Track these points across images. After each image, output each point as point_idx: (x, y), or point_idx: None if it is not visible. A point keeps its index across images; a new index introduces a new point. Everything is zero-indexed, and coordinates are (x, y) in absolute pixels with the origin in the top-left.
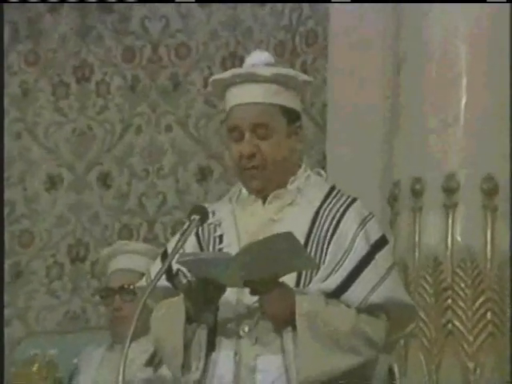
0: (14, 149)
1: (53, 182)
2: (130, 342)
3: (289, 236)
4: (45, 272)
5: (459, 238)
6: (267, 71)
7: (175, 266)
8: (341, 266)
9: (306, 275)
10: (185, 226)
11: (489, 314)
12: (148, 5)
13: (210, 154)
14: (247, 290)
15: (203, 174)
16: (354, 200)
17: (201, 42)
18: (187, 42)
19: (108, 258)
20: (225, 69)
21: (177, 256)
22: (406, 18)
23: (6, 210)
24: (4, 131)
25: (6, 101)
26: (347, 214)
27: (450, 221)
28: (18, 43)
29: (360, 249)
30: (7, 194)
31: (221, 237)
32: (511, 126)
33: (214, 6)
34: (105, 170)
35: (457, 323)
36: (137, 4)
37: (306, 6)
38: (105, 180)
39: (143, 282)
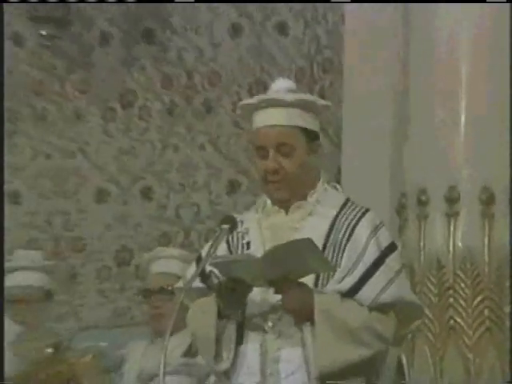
0: (69, 165)
1: (101, 195)
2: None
3: (308, 241)
4: (95, 274)
5: (460, 243)
6: (289, 97)
7: (208, 269)
8: (354, 269)
9: (323, 277)
10: (216, 234)
11: (486, 311)
12: (184, 36)
13: (238, 169)
14: (271, 290)
15: (232, 187)
16: (367, 210)
17: (230, 69)
18: (218, 70)
19: (149, 262)
20: (251, 94)
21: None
22: (414, 42)
23: (60, 219)
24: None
25: (61, 123)
26: (361, 222)
27: (452, 228)
28: (72, 73)
29: (372, 254)
30: (62, 205)
31: (248, 243)
32: (510, 142)
33: (243, 36)
34: (146, 185)
35: (458, 319)
36: (174, 36)
37: (323, 35)
38: (146, 193)
39: (181, 284)
